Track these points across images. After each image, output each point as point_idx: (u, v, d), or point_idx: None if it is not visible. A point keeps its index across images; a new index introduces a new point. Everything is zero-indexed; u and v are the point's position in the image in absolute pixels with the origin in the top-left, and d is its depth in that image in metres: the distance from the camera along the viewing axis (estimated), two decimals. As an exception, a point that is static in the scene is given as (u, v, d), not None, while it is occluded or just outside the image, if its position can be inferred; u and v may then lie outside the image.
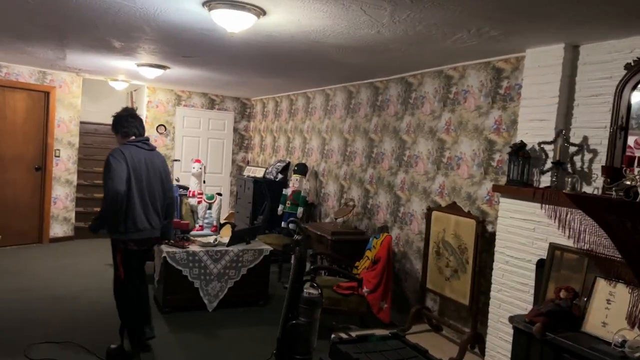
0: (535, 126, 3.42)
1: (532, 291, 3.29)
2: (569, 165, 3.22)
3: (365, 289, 4.25)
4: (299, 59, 4.59)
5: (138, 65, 5.62)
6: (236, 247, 4.78)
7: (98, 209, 3.82)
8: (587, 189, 3.12)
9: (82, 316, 4.34)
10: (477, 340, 3.84)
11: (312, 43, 3.86)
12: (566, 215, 3.06)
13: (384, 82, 5.40)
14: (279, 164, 7.46)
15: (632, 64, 2.85)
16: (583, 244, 2.94)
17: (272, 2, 2.91)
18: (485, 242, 3.85)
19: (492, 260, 3.65)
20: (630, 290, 2.64)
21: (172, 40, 4.23)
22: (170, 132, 8.31)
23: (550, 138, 3.28)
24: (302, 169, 6.49)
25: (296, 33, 3.58)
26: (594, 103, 3.14)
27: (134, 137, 3.56)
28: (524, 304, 3.34)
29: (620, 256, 2.71)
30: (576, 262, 3.02)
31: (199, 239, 4.94)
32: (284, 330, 3.19)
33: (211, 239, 4.88)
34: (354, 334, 3.47)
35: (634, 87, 2.86)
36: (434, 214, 4.25)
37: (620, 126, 2.89)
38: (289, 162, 7.38)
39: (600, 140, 3.08)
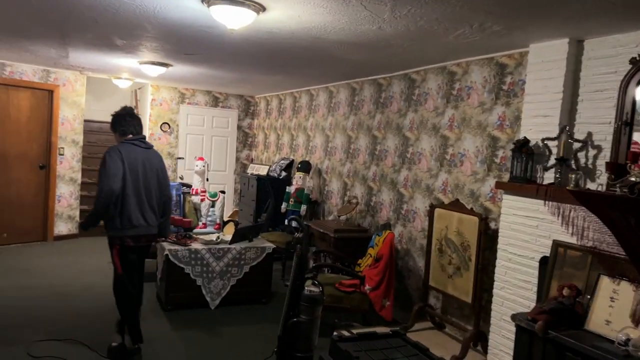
0: (539, 122, 3.38)
1: (535, 289, 3.26)
2: (572, 162, 3.18)
3: (367, 287, 4.23)
4: (301, 55, 4.57)
5: (140, 63, 5.62)
6: (239, 245, 4.77)
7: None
8: (591, 186, 3.08)
9: (86, 314, 4.35)
10: (480, 338, 3.81)
11: (313, 39, 3.83)
12: (570, 212, 3.02)
13: (387, 78, 5.37)
14: (282, 161, 7.45)
15: (638, 58, 2.81)
16: (586, 241, 2.91)
17: (271, -3, 2.89)
18: (488, 239, 3.82)
19: (495, 258, 3.62)
20: (634, 288, 2.61)
21: (173, 38, 4.22)
22: (174, 130, 8.31)
23: (554, 134, 3.24)
24: (305, 167, 6.47)
25: (297, 29, 3.56)
26: (598, 98, 3.10)
27: (131, 136, 3.59)
28: (527, 302, 3.31)
29: (624, 253, 2.67)
30: (579, 260, 2.98)
31: (201, 236, 4.94)
32: (285, 328, 3.18)
33: (214, 237, 4.87)
34: (355, 332, 3.46)
35: (639, 82, 2.81)
36: (437, 211, 4.22)
37: (625, 122, 2.85)
38: (293, 160, 7.36)
39: (604, 136, 3.03)
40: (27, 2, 3.38)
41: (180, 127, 8.37)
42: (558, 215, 3.09)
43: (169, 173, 8.18)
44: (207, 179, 6.23)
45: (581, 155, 3.15)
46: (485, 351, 3.74)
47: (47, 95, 6.97)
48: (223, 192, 6.26)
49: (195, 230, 5.55)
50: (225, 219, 6.86)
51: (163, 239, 3.91)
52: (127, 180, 3.40)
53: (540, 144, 3.33)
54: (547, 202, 3.15)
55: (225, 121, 8.76)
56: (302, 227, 3.50)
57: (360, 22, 3.23)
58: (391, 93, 5.30)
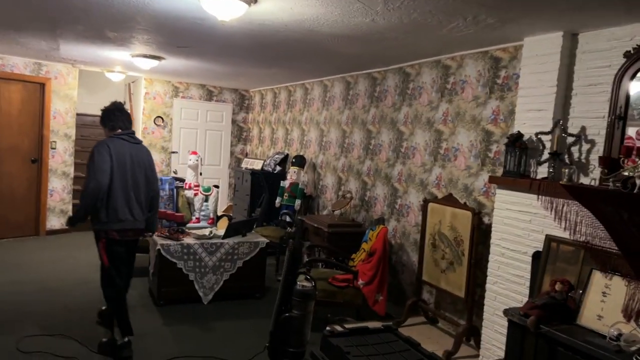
0: (532, 116, 3.36)
1: (528, 284, 3.25)
2: (566, 156, 3.16)
3: (360, 281, 4.21)
4: (294, 48, 4.53)
5: (133, 55, 5.57)
6: (232, 240, 4.74)
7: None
8: (584, 180, 3.07)
9: (77, 309, 4.32)
10: (473, 333, 3.81)
11: (306, 32, 3.79)
12: (563, 207, 3.01)
13: (382, 72, 5.34)
14: (277, 156, 7.41)
15: (632, 51, 2.78)
16: (579, 235, 2.89)
17: (262, -11, 2.85)
18: (482, 234, 3.81)
19: (488, 253, 3.61)
20: (626, 283, 2.60)
21: (165, 30, 4.17)
22: (167, 123, 8.26)
23: (548, 128, 3.22)
24: (300, 161, 6.44)
25: (289, 21, 3.52)
26: (592, 92, 3.08)
27: (120, 131, 3.59)
28: (520, 297, 3.30)
29: (616, 248, 2.66)
30: (572, 254, 2.97)
31: (194, 231, 4.91)
32: (277, 323, 3.16)
33: (206, 232, 4.84)
34: (348, 327, 3.44)
35: (633, 76, 2.79)
36: (430, 205, 4.21)
37: (618, 116, 2.82)
38: (288, 154, 7.33)
39: (598, 130, 3.02)
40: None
41: (174, 121, 8.32)
42: (551, 210, 3.07)
43: (163, 167, 8.15)
44: (201, 173, 6.19)
45: (575, 149, 3.14)
46: (478, 346, 3.73)
47: (38, 88, 6.90)
48: (217, 186, 6.23)
49: (189, 225, 5.52)
50: (220, 213, 6.83)
51: (151, 233, 3.91)
52: (115, 174, 3.40)
53: (534, 138, 3.31)
54: (540, 196, 3.14)
55: (220, 115, 8.71)
56: (295, 221, 3.48)
57: (353, 14, 3.20)
58: (386, 87, 5.27)
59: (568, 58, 3.21)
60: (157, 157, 8.14)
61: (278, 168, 7.15)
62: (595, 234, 2.79)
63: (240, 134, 8.96)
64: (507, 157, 3.40)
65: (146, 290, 4.89)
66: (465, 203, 4.01)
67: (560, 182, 2.97)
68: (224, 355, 3.58)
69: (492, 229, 3.59)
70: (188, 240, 4.60)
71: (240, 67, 6.15)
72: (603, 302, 2.65)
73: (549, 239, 3.12)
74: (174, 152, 8.30)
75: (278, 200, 6.33)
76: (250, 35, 4.08)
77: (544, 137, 3.26)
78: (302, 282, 3.19)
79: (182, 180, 6.31)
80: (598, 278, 2.73)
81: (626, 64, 2.81)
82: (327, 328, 3.62)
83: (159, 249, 4.42)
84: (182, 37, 4.40)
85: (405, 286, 4.82)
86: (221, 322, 4.23)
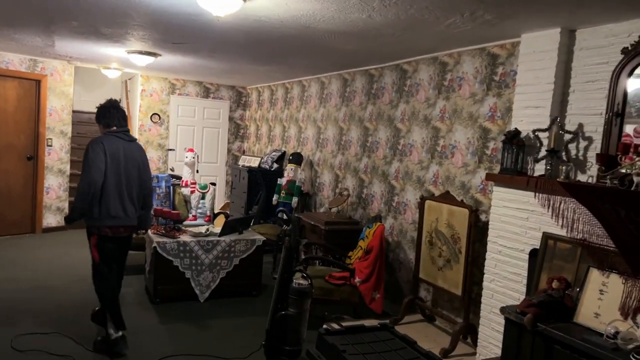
0: (530, 113, 3.34)
1: (525, 281, 3.24)
2: (563, 153, 3.15)
3: (357, 279, 4.20)
4: (290, 45, 4.50)
5: (128, 52, 5.53)
6: (228, 237, 4.72)
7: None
8: (581, 178, 3.05)
9: (72, 307, 4.30)
10: (470, 331, 3.80)
11: (303, 28, 3.77)
12: (560, 204, 2.99)
13: (379, 69, 5.31)
14: (274, 153, 7.39)
15: (630, 48, 2.77)
16: (576, 233, 2.88)
17: (258, -16, 2.82)
18: (479, 231, 3.79)
19: (485, 250, 3.60)
20: (623, 281, 2.58)
21: (160, 27, 4.13)
22: (164, 121, 8.22)
23: (545, 125, 3.21)
24: (297, 159, 6.42)
25: (285, 17, 3.49)
26: (590, 89, 3.06)
27: (115, 128, 3.60)
28: (517, 294, 3.29)
29: (614, 246, 2.65)
30: (569, 252, 2.96)
31: (190, 229, 4.89)
32: (273, 321, 3.14)
33: (203, 229, 4.82)
34: (345, 325, 3.43)
35: (631, 72, 2.78)
36: (427, 203, 4.19)
37: (616, 113, 2.81)
38: (285, 152, 7.31)
39: (595, 127, 3.00)
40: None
41: (171, 118, 8.28)
42: (548, 207, 3.06)
43: (160, 165, 8.12)
44: (197, 171, 6.17)
45: (572, 146, 3.12)
46: (475, 344, 3.72)
47: (34, 85, 6.85)
48: (213, 184, 6.20)
49: (185, 223, 5.49)
50: (217, 211, 6.81)
51: (144, 231, 3.88)
52: (108, 171, 3.42)
53: (531, 135, 3.29)
54: (537, 194, 3.12)
55: (217, 112, 8.68)
56: (291, 219, 3.47)
57: (349, 10, 3.17)
58: (383, 84, 5.24)
59: (566, 55, 3.20)
60: (153, 155, 8.12)
61: (275, 165, 7.13)
62: (593, 232, 2.78)
63: (237, 131, 8.93)
64: (504, 155, 3.39)
65: (142, 288, 4.87)
66: (462, 200, 3.99)
67: (558, 179, 2.96)
68: (221, 353, 3.57)
69: (489, 226, 3.57)
70: (184, 237, 4.58)
71: (236, 64, 6.12)
72: (600, 300, 2.64)
73: (546, 237, 3.11)
74: (170, 150, 8.27)
75: (275, 197, 6.31)
76: (246, 31, 4.05)
77: (541, 134, 3.24)
78: (298, 280, 3.18)
79: (178, 177, 6.28)
80: (595, 276, 2.72)
81: (624, 61, 2.80)
82: (324, 326, 3.62)
83: (154, 247, 4.40)
84: (177, 33, 4.37)
85: (402, 284, 4.81)
86: (218, 320, 4.21)
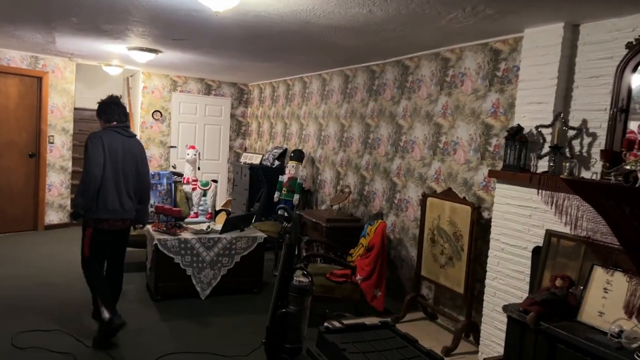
0: (533, 109, 3.30)
1: (528, 279, 3.21)
2: (567, 150, 3.11)
3: (358, 277, 4.17)
4: (291, 41, 4.46)
5: (129, 49, 5.50)
6: (229, 235, 4.70)
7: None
8: (585, 174, 3.01)
9: (73, 304, 4.29)
10: (472, 329, 3.77)
11: (303, 23, 3.73)
12: (563, 201, 2.95)
13: (381, 65, 5.27)
14: (275, 150, 7.36)
15: (634, 42, 2.72)
16: (580, 230, 2.84)
17: (257, -21, 2.79)
18: (481, 229, 3.76)
19: (488, 248, 3.57)
20: (628, 279, 2.55)
21: (159, 23, 4.11)
22: (166, 118, 8.20)
23: (549, 121, 3.16)
24: (298, 156, 6.39)
25: (285, 12, 3.46)
26: (593, 85, 3.02)
27: (115, 123, 3.69)
28: (520, 292, 3.25)
29: (618, 243, 2.61)
30: (573, 250, 2.92)
31: (191, 226, 4.87)
32: (273, 318, 3.12)
33: (204, 226, 4.80)
34: (345, 323, 3.41)
35: (636, 68, 2.73)
36: (429, 200, 4.16)
37: (620, 108, 2.77)
38: (286, 149, 7.28)
39: (599, 123, 2.96)
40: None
41: (173, 115, 8.26)
42: (552, 205, 3.02)
43: (162, 162, 8.11)
44: (199, 168, 6.15)
45: (576, 143, 3.08)
46: (477, 342, 3.69)
47: (35, 82, 6.84)
48: (215, 181, 6.19)
49: (187, 220, 5.48)
50: (219, 208, 6.79)
51: (141, 225, 3.98)
52: (107, 165, 3.51)
53: (534, 131, 3.25)
54: (540, 190, 3.08)
55: (218, 109, 8.65)
56: (291, 216, 3.44)
57: (349, 4, 3.13)
58: (384, 80, 5.21)
59: (569, 50, 3.15)
60: (155, 152, 8.11)
61: (277, 162, 7.10)
62: (597, 229, 2.74)
63: (239, 128, 8.91)
64: (507, 151, 3.35)
65: (143, 285, 4.86)
66: (464, 197, 3.96)
67: (561, 176, 2.92)
68: (221, 350, 3.55)
69: (492, 223, 3.54)
70: (185, 235, 4.56)
71: (237, 61, 6.09)
72: (604, 299, 2.60)
73: (550, 234, 3.07)
74: (172, 147, 8.25)
75: (276, 195, 6.28)
76: (246, 27, 4.02)
77: (545, 131, 3.20)
78: (299, 278, 3.15)
79: (180, 175, 6.27)
80: (599, 274, 2.68)
81: (628, 56, 2.75)
82: (325, 324, 3.59)
83: (156, 244, 4.39)
84: (177, 29, 4.34)
85: (404, 281, 4.78)
86: (219, 318, 4.19)
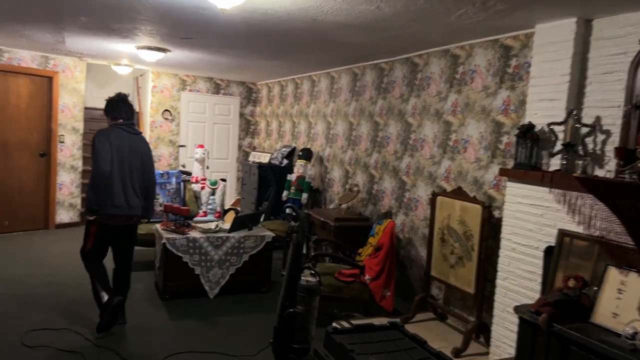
0: (544, 106, 3.24)
1: (540, 280, 3.15)
2: (580, 147, 3.04)
3: (367, 277, 4.13)
4: (299, 38, 4.43)
5: (138, 48, 5.51)
6: (237, 234, 4.69)
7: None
8: (599, 172, 2.95)
9: (84, 302, 4.29)
10: (483, 330, 3.71)
11: (310, 21, 3.70)
12: (576, 200, 2.89)
13: (389, 63, 5.22)
14: (284, 149, 7.34)
15: (649, 37, 2.66)
16: (594, 230, 2.78)
17: (263, -25, 2.76)
18: (492, 228, 3.71)
19: (499, 247, 3.51)
20: (643, 280, 2.49)
21: (167, 21, 4.10)
22: (175, 117, 8.22)
23: (561, 118, 3.10)
24: (306, 155, 6.36)
25: (292, 10, 3.42)
26: (607, 81, 2.95)
27: (121, 121, 3.76)
28: (531, 293, 3.20)
29: (633, 243, 2.55)
30: (586, 250, 2.86)
31: (200, 225, 4.86)
32: (281, 318, 3.10)
33: (212, 225, 4.79)
34: (354, 323, 3.37)
35: (651, 63, 2.67)
36: (439, 199, 4.11)
37: (635, 105, 2.70)
38: (295, 148, 7.25)
39: (613, 120, 2.89)
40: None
41: (182, 115, 8.27)
42: (564, 203, 2.97)
43: (171, 161, 8.14)
44: (208, 167, 6.16)
45: (589, 140, 3.01)
46: (488, 343, 3.64)
47: (46, 82, 6.89)
48: (224, 180, 6.19)
49: (196, 219, 5.49)
50: (228, 207, 6.79)
51: (146, 220, 4.07)
52: (113, 162, 3.59)
53: (546, 129, 3.19)
54: (552, 189, 3.03)
55: (227, 108, 8.65)
56: (298, 215, 3.41)
57: (357, 1, 3.10)
58: (393, 78, 5.16)
59: (582, 45, 3.09)
60: (165, 151, 8.13)
61: (285, 161, 7.08)
62: (611, 229, 2.68)
63: (247, 127, 8.90)
64: (518, 149, 3.29)
65: (152, 284, 4.87)
66: (474, 196, 3.91)
67: (574, 174, 2.86)
68: (229, 350, 3.54)
69: (503, 223, 3.48)
70: (194, 234, 4.56)
71: (245, 59, 6.07)
72: (618, 299, 2.54)
73: (562, 234, 3.01)
74: (182, 146, 8.27)
75: (285, 193, 6.26)
76: (254, 25, 3.99)
77: (557, 128, 3.14)
78: (306, 277, 3.12)
79: (189, 173, 6.27)
80: (613, 274, 2.62)
81: (643, 50, 2.68)
82: (334, 324, 3.57)
83: (164, 243, 4.39)
84: (185, 27, 4.33)
85: (413, 281, 4.73)
86: (227, 317, 4.18)
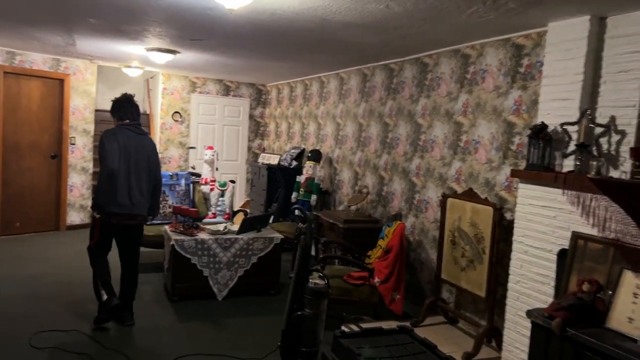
0: (557, 106, 3.17)
1: (553, 283, 3.08)
2: (594, 148, 2.97)
3: (376, 279, 4.09)
4: (308, 39, 4.41)
5: (147, 50, 5.53)
6: (246, 235, 4.67)
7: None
8: (613, 173, 2.88)
9: (93, 303, 4.27)
10: (494, 334, 3.65)
11: (319, 21, 3.67)
12: (590, 202, 2.83)
13: (399, 63, 5.18)
14: (293, 150, 7.32)
15: (666, 35, 2.59)
16: (608, 232, 2.72)
17: (270, -25, 2.74)
18: (503, 230, 3.64)
19: (511, 250, 3.44)
20: (660, 284, 2.42)
21: (176, 22, 4.10)
22: (185, 119, 8.24)
23: (574, 118, 3.03)
24: (315, 156, 6.33)
25: (300, 10, 3.40)
26: (622, 79, 2.88)
27: (128, 121, 3.81)
28: (544, 297, 3.13)
29: (649, 246, 2.48)
30: (601, 253, 2.79)
31: (208, 226, 4.85)
32: (288, 321, 3.07)
33: (221, 227, 4.78)
34: (363, 326, 3.33)
35: (668, 61, 2.60)
36: (450, 201, 4.05)
37: (651, 104, 2.63)
38: (304, 149, 7.23)
39: (629, 120, 2.82)
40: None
41: (192, 116, 8.29)
42: (578, 205, 2.90)
43: (181, 162, 8.15)
44: (217, 169, 6.15)
45: (603, 140, 2.94)
46: (499, 348, 3.57)
47: (57, 84, 6.94)
48: (233, 181, 6.17)
49: (205, 220, 5.48)
50: (237, 208, 6.78)
51: (151, 217, 4.11)
52: (120, 161, 3.64)
53: (559, 129, 3.13)
54: (565, 191, 2.96)
55: (237, 110, 8.65)
56: (306, 216, 3.38)
57: (365, 0, 3.06)
58: (403, 78, 5.11)
59: (596, 43, 3.02)
60: (175, 153, 8.15)
61: (294, 163, 7.05)
62: (626, 231, 2.61)
63: (257, 129, 8.90)
64: (530, 150, 3.22)
65: (161, 286, 4.86)
66: (486, 198, 3.84)
67: (588, 175, 2.80)
68: (237, 353, 3.51)
69: (515, 225, 3.42)
70: (202, 235, 4.54)
71: (255, 61, 6.06)
72: (634, 304, 2.47)
73: (576, 236, 2.94)
74: (191, 148, 8.28)
75: (294, 195, 6.24)
76: (262, 26, 3.97)
77: (570, 128, 3.07)
78: (314, 280, 3.09)
79: (198, 175, 6.27)
80: (629, 278, 2.55)
81: (660, 48, 2.61)
82: (342, 328, 3.52)
83: (172, 245, 4.38)
84: (193, 29, 4.32)
85: (423, 285, 4.67)
86: (235, 319, 4.16)
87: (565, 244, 3.01)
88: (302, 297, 3.06)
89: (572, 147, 3.06)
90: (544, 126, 3.16)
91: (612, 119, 2.91)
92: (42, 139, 6.86)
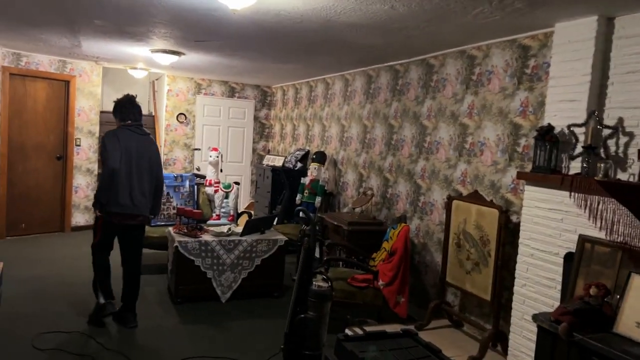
0: (564, 107, 3.13)
1: (559, 287, 3.04)
2: (601, 150, 2.93)
3: (381, 282, 4.05)
4: (313, 40, 4.39)
5: (152, 51, 5.53)
6: (250, 237, 4.65)
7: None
8: (621, 176, 2.83)
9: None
10: (500, 338, 3.60)
11: (324, 22, 3.65)
12: (598, 205, 2.78)
13: (404, 64, 5.15)
14: (298, 152, 7.30)
15: (675, 35, 2.54)
16: (616, 236, 2.67)
17: (274, -25, 2.72)
18: (509, 233, 3.60)
19: (516, 253, 3.40)
20: (669, 288, 2.37)
21: (180, 23, 4.09)
22: (190, 120, 8.24)
23: (581, 120, 2.99)
24: (320, 158, 6.31)
25: (305, 11, 3.38)
26: (630, 80, 2.83)
27: (129, 122, 3.84)
28: (551, 301, 3.08)
29: (658, 250, 2.44)
30: (608, 256, 2.75)
31: (212, 228, 4.84)
32: (291, 324, 3.04)
33: (224, 229, 4.76)
34: (368, 329, 3.29)
35: (677, 62, 2.56)
36: (455, 203, 4.01)
37: (660, 105, 2.59)
38: (308, 151, 7.21)
39: (637, 122, 2.78)
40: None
41: (197, 118, 8.29)
42: (585, 208, 2.86)
43: (185, 164, 8.16)
44: (221, 170, 6.15)
45: (611, 142, 2.90)
46: (505, 352, 3.53)
47: (63, 86, 6.97)
48: (237, 183, 6.16)
49: (209, 222, 5.47)
50: (242, 210, 6.77)
51: (153, 216, 4.14)
52: (121, 161, 3.67)
53: (566, 130, 3.08)
54: (572, 193, 2.92)
55: (242, 112, 8.65)
56: (309, 218, 3.36)
57: (370, 1, 3.03)
58: (408, 80, 5.08)
59: (603, 44, 2.98)
60: (180, 155, 8.16)
61: (299, 164, 7.03)
62: (635, 234, 2.57)
63: (262, 130, 8.89)
64: (536, 152, 3.18)
65: (164, 288, 4.86)
66: (491, 200, 3.80)
67: (595, 177, 2.76)
68: (239, 356, 3.50)
69: (521, 228, 3.38)
70: (206, 237, 4.53)
71: (260, 63, 6.06)
72: (643, 309, 2.43)
73: (583, 240, 2.90)
74: (196, 149, 8.28)
75: (298, 197, 6.22)
76: (267, 27, 3.96)
77: (577, 130, 3.03)
78: (318, 282, 3.07)
79: (202, 177, 6.27)
80: (637, 282, 2.50)
81: (669, 49, 2.57)
82: (346, 331, 3.49)
83: (176, 246, 4.37)
84: (197, 30, 4.32)
85: (428, 288, 4.63)
86: (238, 322, 4.14)
87: (572, 247, 2.97)
88: (306, 300, 3.03)
89: (579, 149, 3.02)
90: (550, 128, 3.12)
91: (620, 120, 2.86)
92: (48, 140, 6.89)
